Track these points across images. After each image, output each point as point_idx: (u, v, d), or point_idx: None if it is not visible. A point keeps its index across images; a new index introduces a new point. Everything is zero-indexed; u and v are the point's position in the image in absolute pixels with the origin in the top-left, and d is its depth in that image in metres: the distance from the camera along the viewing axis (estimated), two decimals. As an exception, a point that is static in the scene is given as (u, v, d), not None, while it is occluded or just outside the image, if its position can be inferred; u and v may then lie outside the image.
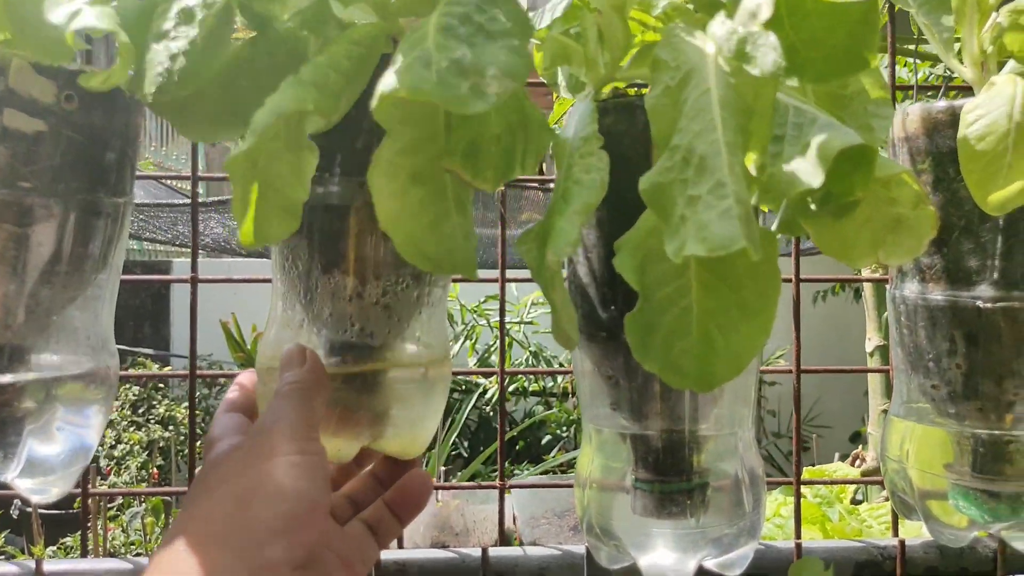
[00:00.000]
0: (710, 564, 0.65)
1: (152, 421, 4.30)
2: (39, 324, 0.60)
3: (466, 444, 4.92)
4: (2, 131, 0.55)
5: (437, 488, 0.77)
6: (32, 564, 0.68)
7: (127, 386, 4.24)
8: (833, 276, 0.77)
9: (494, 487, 0.76)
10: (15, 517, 3.15)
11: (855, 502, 1.13)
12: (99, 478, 3.85)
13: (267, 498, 0.49)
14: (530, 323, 4.94)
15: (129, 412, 4.23)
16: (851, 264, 0.61)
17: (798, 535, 0.75)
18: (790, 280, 0.77)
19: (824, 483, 0.80)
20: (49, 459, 0.62)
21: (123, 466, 4.01)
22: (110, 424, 4.26)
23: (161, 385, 4.32)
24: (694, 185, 0.48)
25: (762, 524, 0.66)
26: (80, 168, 0.59)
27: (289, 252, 0.59)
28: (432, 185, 0.51)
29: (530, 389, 4.96)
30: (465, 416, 4.62)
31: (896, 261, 0.59)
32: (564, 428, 4.40)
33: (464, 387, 4.94)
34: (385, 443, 0.63)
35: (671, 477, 0.63)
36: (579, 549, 0.73)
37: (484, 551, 0.70)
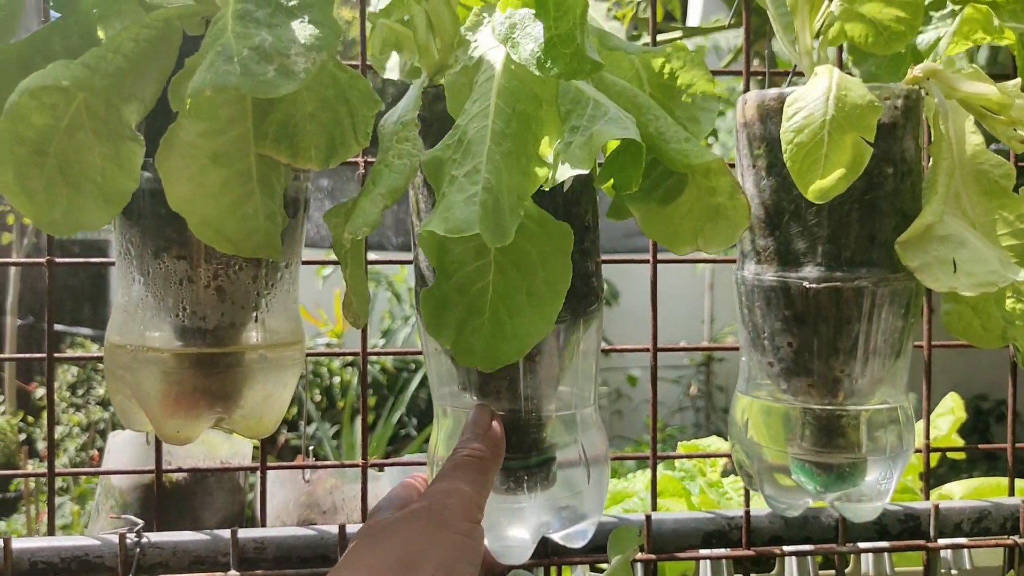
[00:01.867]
0: (555, 537, 0.67)
1: (92, 402, 4.25)
2: None
3: (415, 422, 4.93)
4: None
5: (304, 467, 0.78)
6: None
7: (65, 367, 4.18)
8: (691, 259, 0.80)
9: (356, 465, 0.77)
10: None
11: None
12: (36, 460, 3.80)
13: (430, 570, 0.52)
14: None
15: (68, 393, 4.17)
16: (674, 250, 0.63)
17: (653, 507, 0.78)
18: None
19: (677, 457, 0.83)
20: None
21: (61, 448, 3.96)
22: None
23: (100, 366, 4.26)
24: (459, 166, 0.49)
25: (604, 499, 0.68)
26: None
27: (122, 237, 0.60)
28: (235, 167, 0.52)
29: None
30: (412, 394, 4.63)
31: (714, 248, 0.61)
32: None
33: (413, 366, 4.95)
34: (233, 424, 0.64)
35: (514, 455, 0.64)
36: (437, 525, 0.74)
37: (342, 528, 0.71)
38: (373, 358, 4.64)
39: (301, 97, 0.53)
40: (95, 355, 0.69)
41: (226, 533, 0.70)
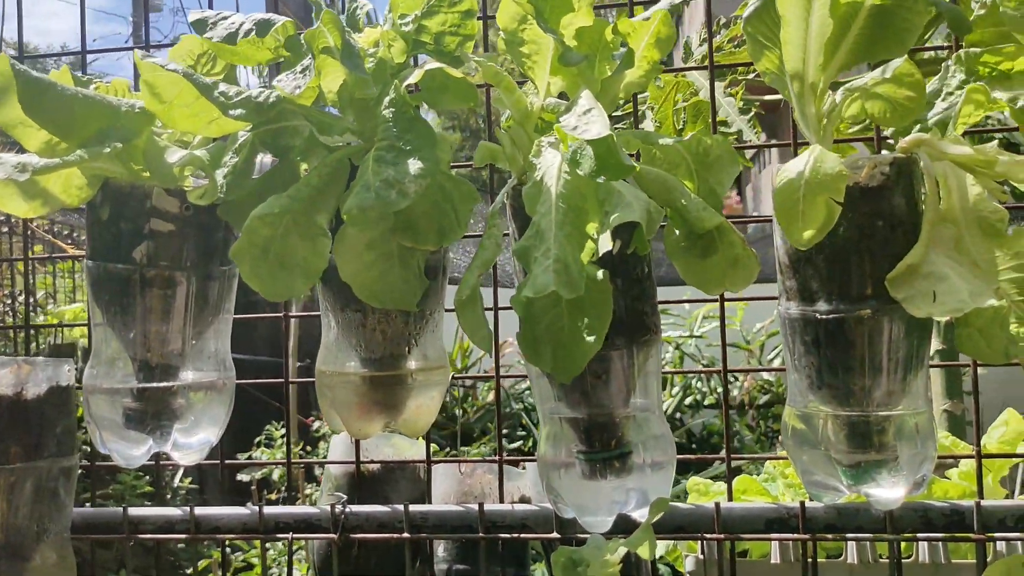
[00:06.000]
0: (634, 514, 0.88)
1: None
2: (181, 350, 0.94)
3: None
4: (150, 232, 0.89)
5: (457, 461, 1.05)
6: (256, 508, 1.01)
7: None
8: (758, 296, 0.91)
9: (494, 461, 1.02)
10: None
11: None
12: (314, 484, 4.43)
13: None
14: (701, 337, 5.08)
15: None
16: (707, 292, 0.83)
17: (729, 498, 0.96)
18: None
19: (748, 459, 0.98)
20: (188, 444, 0.96)
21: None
22: (323, 437, 4.87)
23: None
24: (536, 249, 0.73)
25: (669, 484, 0.88)
26: (198, 250, 0.92)
27: (323, 298, 0.90)
28: (381, 250, 0.79)
29: (705, 403, 5.07)
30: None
31: (737, 289, 0.80)
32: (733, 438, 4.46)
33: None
34: (397, 426, 0.92)
35: (596, 448, 0.86)
36: (552, 507, 0.97)
37: (480, 506, 0.96)
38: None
39: (416, 202, 0.80)
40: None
41: (400, 507, 0.98)
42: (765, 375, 5.07)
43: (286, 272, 0.81)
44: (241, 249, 0.78)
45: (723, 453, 0.96)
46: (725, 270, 0.81)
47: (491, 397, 4.56)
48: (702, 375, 5.02)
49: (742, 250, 0.79)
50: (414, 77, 0.78)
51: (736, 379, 5.08)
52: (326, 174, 0.81)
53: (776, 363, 5.26)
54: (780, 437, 0.88)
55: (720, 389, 5.06)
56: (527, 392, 4.69)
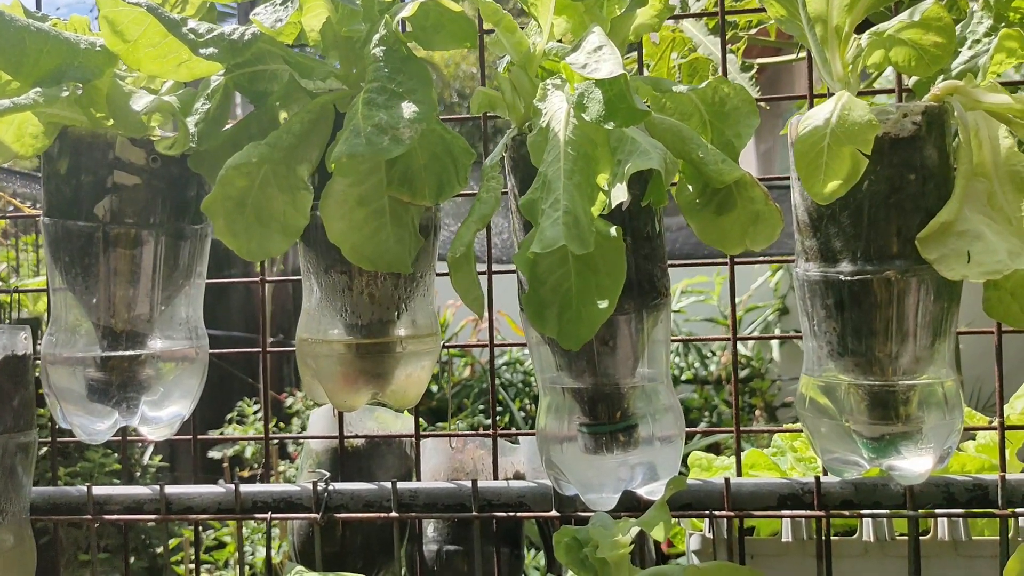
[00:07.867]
0: (640, 491, 0.82)
1: (331, 410, 4.78)
2: (149, 315, 0.86)
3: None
4: (113, 185, 0.81)
5: (447, 435, 0.98)
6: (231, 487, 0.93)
7: (309, 379, 4.75)
8: (764, 259, 0.88)
9: (488, 435, 0.96)
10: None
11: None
12: (288, 461, 4.36)
13: None
14: (679, 311, 5.05)
15: (311, 403, 4.74)
16: (726, 251, 0.77)
17: (738, 473, 0.90)
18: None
19: (757, 431, 0.93)
20: (157, 418, 0.88)
21: (304, 446, 4.52)
22: (296, 414, 4.79)
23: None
24: (544, 201, 0.66)
25: (679, 459, 0.82)
26: (167, 206, 0.84)
27: (304, 259, 0.82)
28: (373, 206, 0.72)
29: (682, 378, 5.05)
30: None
31: (759, 247, 0.74)
32: (707, 412, 4.46)
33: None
34: (386, 397, 0.85)
35: (600, 421, 0.80)
36: (551, 483, 0.91)
37: (474, 482, 0.90)
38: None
39: (416, 153, 0.73)
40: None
41: (388, 484, 0.91)
42: (741, 348, 5.06)
43: (263, 228, 0.73)
44: (215, 201, 0.70)
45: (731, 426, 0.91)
46: (745, 227, 0.74)
47: (468, 372, 4.50)
48: (678, 350, 5.00)
49: (764, 205, 0.73)
50: (407, 11, 0.70)
51: (713, 353, 5.07)
52: (308, 121, 0.74)
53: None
54: (792, 408, 0.82)
55: (697, 364, 5.05)
56: (505, 367, 4.64)
